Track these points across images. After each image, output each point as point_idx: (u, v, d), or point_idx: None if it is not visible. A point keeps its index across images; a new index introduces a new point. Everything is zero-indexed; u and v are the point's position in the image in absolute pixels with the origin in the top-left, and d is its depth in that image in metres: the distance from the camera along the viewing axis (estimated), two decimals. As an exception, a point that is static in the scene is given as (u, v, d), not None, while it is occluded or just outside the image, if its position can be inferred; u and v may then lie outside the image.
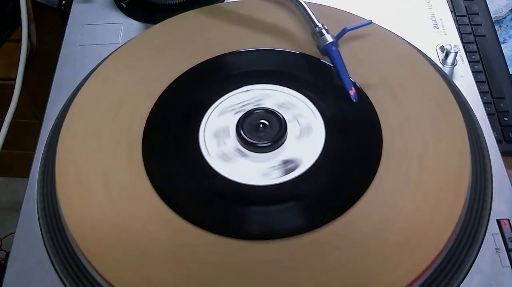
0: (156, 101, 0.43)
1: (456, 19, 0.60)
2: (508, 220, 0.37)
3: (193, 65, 0.45)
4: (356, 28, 0.44)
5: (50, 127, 0.43)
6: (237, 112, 0.42)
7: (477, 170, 0.38)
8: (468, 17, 0.61)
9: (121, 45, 0.48)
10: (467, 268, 0.34)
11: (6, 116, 0.48)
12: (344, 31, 0.44)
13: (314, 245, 0.34)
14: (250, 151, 0.40)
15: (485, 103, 0.46)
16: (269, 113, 0.41)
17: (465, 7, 0.62)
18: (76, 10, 0.53)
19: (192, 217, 0.36)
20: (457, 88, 0.44)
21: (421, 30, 0.49)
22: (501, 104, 0.54)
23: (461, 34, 0.59)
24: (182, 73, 0.45)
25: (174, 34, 0.48)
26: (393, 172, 0.37)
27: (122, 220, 0.36)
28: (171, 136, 0.41)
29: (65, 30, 0.51)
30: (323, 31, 0.44)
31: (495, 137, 0.41)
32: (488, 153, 0.40)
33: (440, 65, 0.46)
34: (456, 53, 0.46)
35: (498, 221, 0.37)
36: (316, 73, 0.45)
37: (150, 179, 0.38)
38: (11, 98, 0.49)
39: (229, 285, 0.33)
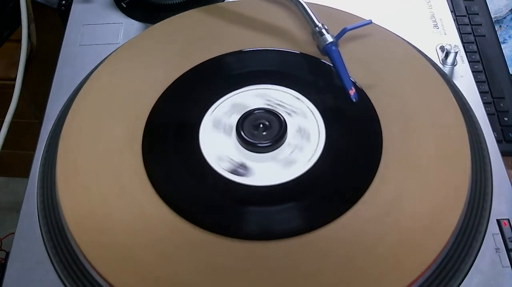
0: (157, 101, 0.43)
1: (456, 19, 0.60)
2: (508, 220, 0.37)
3: (193, 65, 0.45)
4: (356, 28, 0.44)
5: (50, 127, 0.43)
6: (237, 112, 0.42)
7: (477, 170, 0.38)
8: (468, 17, 0.61)
9: (121, 45, 0.48)
10: (467, 268, 0.34)
11: (6, 116, 0.48)
12: (344, 31, 0.44)
13: (313, 245, 0.34)
14: (250, 151, 0.40)
15: (485, 103, 0.46)
16: (269, 113, 0.41)
17: (465, 7, 0.62)
18: (76, 10, 0.53)
19: (192, 217, 0.36)
20: (457, 88, 0.44)
21: (421, 30, 0.49)
22: (501, 104, 0.54)
23: (461, 34, 0.59)
24: (182, 73, 0.44)
25: (174, 34, 0.48)
26: (393, 172, 0.37)
27: (122, 220, 0.36)
28: (171, 137, 0.41)
29: (65, 30, 0.51)
30: (323, 31, 0.44)
31: (495, 137, 0.41)
32: (488, 153, 0.40)
33: (440, 65, 0.46)
34: (456, 53, 0.46)
35: (498, 221, 0.37)
36: (316, 73, 0.45)
37: (150, 179, 0.38)
38: (11, 98, 0.49)
39: (229, 285, 0.33)
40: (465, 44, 0.57)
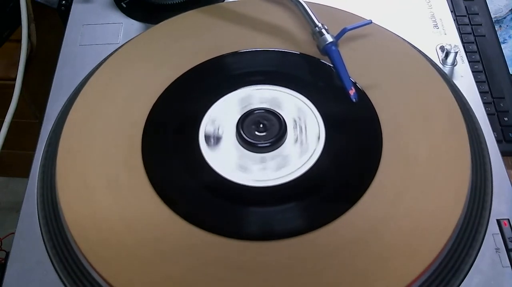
0: (156, 101, 0.43)
1: (456, 19, 0.60)
2: (508, 220, 0.37)
3: (193, 65, 0.45)
4: (356, 28, 0.44)
5: (50, 127, 0.43)
6: (237, 112, 0.42)
7: (477, 170, 0.38)
8: (468, 17, 0.61)
9: (121, 45, 0.48)
10: (467, 268, 0.34)
11: (6, 116, 0.48)
12: (344, 31, 0.44)
13: (314, 245, 0.34)
14: (250, 151, 0.40)
15: (485, 103, 0.46)
16: (269, 113, 0.41)
17: (465, 7, 0.62)
18: (76, 10, 0.53)
19: (192, 217, 0.36)
20: (457, 88, 0.44)
21: (421, 30, 0.49)
22: (501, 104, 0.54)
23: (461, 34, 0.59)
24: (182, 73, 0.44)
25: (174, 34, 0.48)
26: (393, 172, 0.37)
27: (122, 220, 0.36)
28: (171, 137, 0.41)
29: (65, 30, 0.51)
30: (323, 31, 0.44)
31: (495, 137, 0.41)
32: (488, 153, 0.40)
33: (440, 65, 0.46)
34: (456, 53, 0.46)
35: (498, 221, 0.37)
36: (316, 73, 0.45)
37: (150, 179, 0.38)
38: (11, 98, 0.49)
39: (229, 285, 0.33)
40: (465, 44, 0.57)
